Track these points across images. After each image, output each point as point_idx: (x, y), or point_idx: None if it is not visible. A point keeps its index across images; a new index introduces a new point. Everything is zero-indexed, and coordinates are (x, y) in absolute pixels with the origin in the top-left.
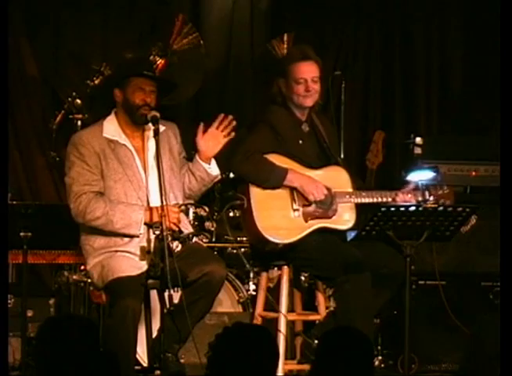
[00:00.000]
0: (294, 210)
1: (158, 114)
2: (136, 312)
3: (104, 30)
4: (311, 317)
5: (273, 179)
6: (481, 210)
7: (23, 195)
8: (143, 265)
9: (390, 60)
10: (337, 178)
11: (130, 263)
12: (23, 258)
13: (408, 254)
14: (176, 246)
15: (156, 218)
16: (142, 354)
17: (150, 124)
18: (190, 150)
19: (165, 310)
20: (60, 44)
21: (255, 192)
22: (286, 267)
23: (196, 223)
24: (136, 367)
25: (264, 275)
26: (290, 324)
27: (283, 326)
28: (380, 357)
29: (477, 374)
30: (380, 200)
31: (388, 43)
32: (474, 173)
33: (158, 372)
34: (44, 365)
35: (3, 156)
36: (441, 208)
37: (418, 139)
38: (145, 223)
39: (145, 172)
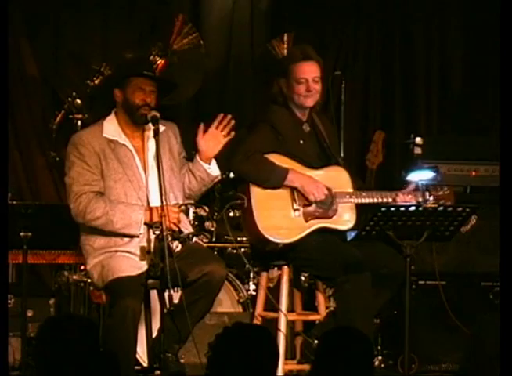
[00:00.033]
0: (295, 210)
1: (158, 114)
2: (136, 312)
3: (104, 30)
4: (311, 317)
5: (274, 179)
6: (481, 210)
7: (23, 195)
8: (143, 265)
9: (390, 60)
10: (337, 178)
11: (130, 263)
12: (23, 258)
13: (408, 254)
14: (176, 246)
15: (156, 218)
16: (142, 354)
17: (150, 124)
18: (190, 150)
19: (165, 310)
20: (60, 44)
21: (256, 192)
22: (286, 267)
23: (196, 223)
24: (136, 367)
25: (264, 275)
26: (290, 324)
27: (283, 325)
28: (380, 357)
29: (477, 374)
30: (380, 200)
31: (388, 43)
32: (474, 173)
33: (158, 372)
34: (44, 365)
35: (3, 156)
36: (441, 208)
37: (418, 139)
38: (145, 223)
39: (145, 172)
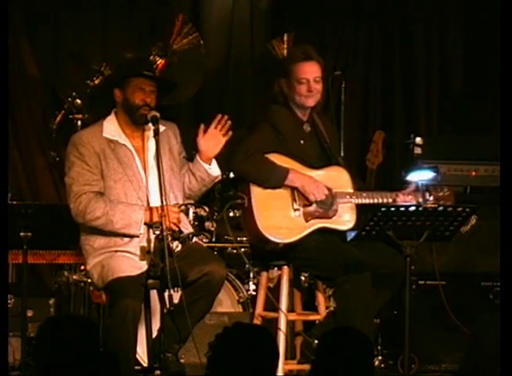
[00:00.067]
0: (295, 210)
1: (158, 114)
2: (136, 312)
3: (104, 30)
4: (311, 317)
5: (274, 179)
6: (481, 210)
7: (23, 195)
8: (143, 265)
9: (390, 60)
10: (337, 178)
11: (130, 263)
12: (23, 258)
13: (408, 254)
14: (176, 246)
15: (156, 218)
16: (142, 354)
17: (150, 124)
18: (190, 150)
19: (165, 310)
20: (60, 44)
21: (256, 191)
22: (286, 267)
23: (196, 223)
24: (136, 367)
25: (264, 274)
26: (290, 324)
27: (283, 324)
28: (380, 357)
29: (477, 374)
30: (380, 201)
31: (388, 43)
32: (474, 173)
33: (158, 372)
34: (44, 365)
35: (3, 156)
36: (441, 208)
37: (418, 139)
38: (145, 223)
39: (145, 172)
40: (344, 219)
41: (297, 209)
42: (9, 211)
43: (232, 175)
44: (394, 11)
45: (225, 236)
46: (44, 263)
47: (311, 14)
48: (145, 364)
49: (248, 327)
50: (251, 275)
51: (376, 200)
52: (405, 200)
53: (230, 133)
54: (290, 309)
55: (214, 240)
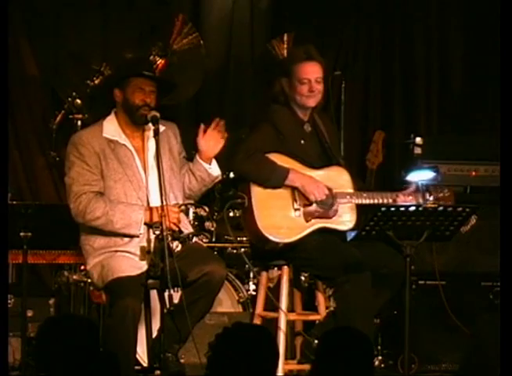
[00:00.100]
0: (295, 209)
1: (158, 114)
2: (136, 312)
3: (104, 30)
4: (311, 317)
5: (274, 179)
6: (481, 210)
7: (23, 195)
8: (143, 265)
9: (390, 60)
10: (338, 178)
11: (130, 263)
12: (23, 258)
13: (408, 254)
14: (176, 246)
15: (156, 218)
16: (142, 354)
17: (150, 124)
18: (190, 150)
19: (165, 310)
20: (60, 44)
21: (256, 191)
22: (286, 267)
23: (196, 223)
24: (136, 367)
25: (264, 274)
26: (290, 324)
27: (283, 323)
28: (380, 357)
29: (477, 374)
30: (380, 201)
31: (388, 43)
32: (474, 173)
33: (158, 372)
34: (44, 365)
35: (3, 156)
36: (441, 208)
37: (418, 139)
38: (145, 223)
39: (145, 172)
40: (345, 219)
41: (298, 209)
42: (9, 211)
43: (232, 174)
44: (394, 11)
45: (225, 236)
46: (44, 263)
47: (312, 14)
48: (145, 364)
49: (248, 327)
50: (251, 275)
51: (376, 201)
52: (406, 200)
53: (226, 135)
54: (290, 309)
55: (214, 240)
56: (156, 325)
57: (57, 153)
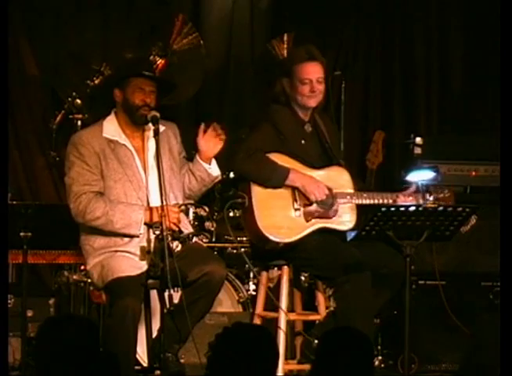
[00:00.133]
0: (295, 209)
1: (158, 114)
2: (136, 312)
3: (104, 30)
4: (311, 317)
5: (275, 179)
6: (481, 210)
7: (23, 195)
8: (143, 265)
9: (390, 60)
10: (338, 178)
11: (130, 263)
12: (23, 258)
13: (408, 254)
14: (176, 246)
15: (156, 218)
16: (142, 354)
17: (150, 124)
18: (190, 150)
19: (165, 310)
20: (60, 44)
21: (257, 191)
22: (286, 267)
23: (196, 223)
24: (136, 367)
25: (264, 274)
26: (290, 324)
27: (283, 323)
28: (380, 357)
29: (477, 374)
30: (380, 201)
31: (388, 43)
32: (474, 173)
33: (158, 372)
34: (44, 365)
35: (3, 156)
36: (441, 208)
37: (418, 139)
38: (145, 223)
39: (145, 172)
40: (345, 220)
41: (298, 209)
42: (9, 211)
43: (232, 174)
44: (394, 11)
45: (225, 236)
46: (44, 263)
47: (312, 14)
48: (145, 364)
49: (248, 327)
50: (251, 275)
51: (376, 201)
52: (406, 201)
53: (224, 137)
54: (290, 309)
55: (214, 240)
56: (156, 325)
57: (57, 153)
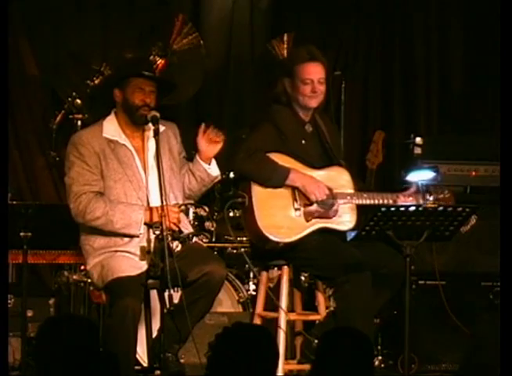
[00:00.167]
0: (296, 209)
1: (158, 114)
2: (136, 312)
3: (104, 30)
4: (311, 317)
5: (275, 178)
6: (481, 210)
7: (23, 195)
8: (143, 265)
9: (390, 60)
10: (338, 178)
11: (130, 263)
12: (23, 258)
13: (408, 254)
14: (176, 246)
15: (156, 218)
16: (142, 354)
17: (150, 124)
18: (190, 150)
19: (165, 310)
20: (60, 44)
21: (257, 190)
22: (286, 267)
23: (196, 223)
24: (136, 367)
25: (264, 274)
26: (290, 324)
27: (283, 323)
28: (380, 357)
29: (477, 374)
30: (381, 201)
31: (388, 43)
32: (474, 173)
33: (158, 372)
34: (44, 365)
35: (3, 156)
36: (441, 208)
37: (418, 139)
38: (145, 223)
39: (145, 172)
40: (345, 220)
41: (298, 209)
42: (9, 211)
43: (232, 174)
44: (394, 11)
45: (225, 236)
46: (44, 263)
47: (311, 14)
48: (145, 364)
49: (248, 327)
50: (251, 275)
51: (376, 201)
52: (406, 201)
53: (223, 137)
54: (290, 309)
55: (214, 240)
56: (156, 325)
57: (57, 153)
